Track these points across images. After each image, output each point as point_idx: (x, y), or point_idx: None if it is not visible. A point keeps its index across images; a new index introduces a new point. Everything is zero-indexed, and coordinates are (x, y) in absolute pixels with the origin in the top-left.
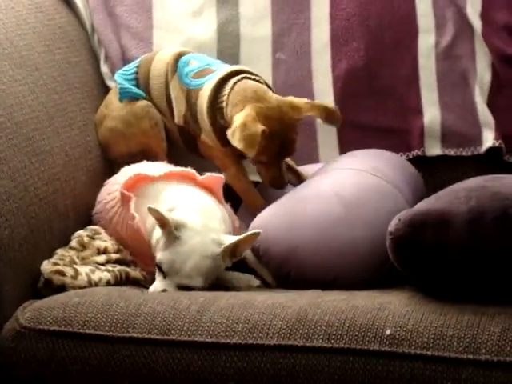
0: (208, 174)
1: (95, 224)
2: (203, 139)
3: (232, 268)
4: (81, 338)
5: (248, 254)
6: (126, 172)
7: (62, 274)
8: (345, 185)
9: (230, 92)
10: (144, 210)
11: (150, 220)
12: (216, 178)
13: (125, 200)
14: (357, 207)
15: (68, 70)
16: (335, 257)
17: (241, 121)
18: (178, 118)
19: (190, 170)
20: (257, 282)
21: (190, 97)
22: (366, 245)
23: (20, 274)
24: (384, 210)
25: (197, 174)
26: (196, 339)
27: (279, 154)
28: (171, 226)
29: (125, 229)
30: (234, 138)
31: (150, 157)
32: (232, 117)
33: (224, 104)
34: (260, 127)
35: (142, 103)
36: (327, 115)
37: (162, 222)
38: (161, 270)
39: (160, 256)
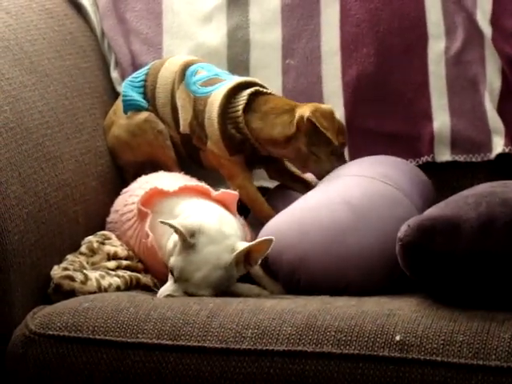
0: (223, 190)
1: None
2: (209, 147)
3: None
4: (90, 344)
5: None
6: (143, 183)
7: (71, 279)
8: (354, 192)
9: (246, 102)
10: (160, 226)
11: (167, 235)
12: (230, 195)
13: (141, 216)
14: (366, 215)
15: (78, 75)
16: (345, 264)
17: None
18: (184, 126)
19: (204, 185)
20: (266, 293)
21: (198, 104)
22: (376, 252)
23: (30, 279)
24: (394, 217)
25: (211, 189)
26: (206, 345)
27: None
28: (185, 235)
29: (138, 244)
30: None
31: (161, 166)
32: (260, 128)
33: (239, 113)
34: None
35: (145, 115)
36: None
37: (177, 232)
38: (172, 274)
39: (173, 261)
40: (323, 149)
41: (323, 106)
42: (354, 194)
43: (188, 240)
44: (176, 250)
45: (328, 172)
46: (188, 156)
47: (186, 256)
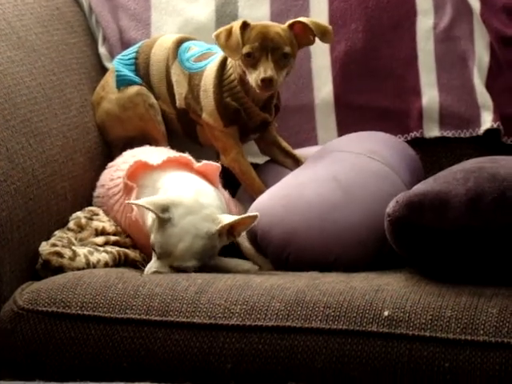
0: (205, 162)
1: (97, 207)
2: (204, 119)
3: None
4: (79, 320)
5: (244, 242)
6: (127, 157)
7: (60, 255)
8: (342, 168)
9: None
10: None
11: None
12: (212, 166)
13: (127, 190)
14: (354, 190)
15: (66, 51)
16: (333, 240)
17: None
18: (179, 101)
19: (187, 157)
20: (255, 268)
21: (193, 79)
22: (363, 227)
23: (18, 255)
24: (382, 193)
25: (193, 161)
26: (194, 321)
27: (267, 49)
28: (156, 212)
29: (124, 219)
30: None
31: (150, 141)
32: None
33: (235, 81)
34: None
35: (137, 88)
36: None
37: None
38: (155, 251)
39: (153, 237)
40: None
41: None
42: (342, 170)
43: (161, 216)
44: (154, 227)
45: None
46: (184, 132)
47: (164, 231)
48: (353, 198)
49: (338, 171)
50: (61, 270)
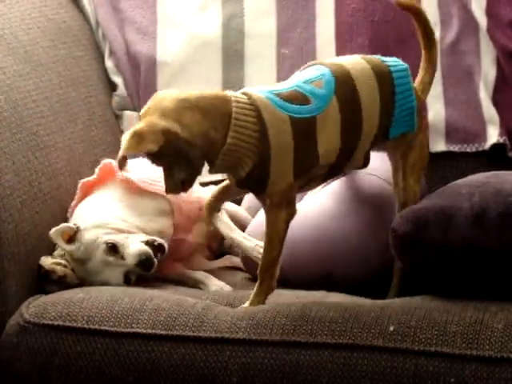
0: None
1: None
2: None
3: None
4: (85, 333)
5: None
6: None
7: (62, 265)
8: (340, 187)
9: None
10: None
11: None
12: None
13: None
14: (351, 202)
15: (72, 64)
16: (329, 252)
17: None
18: None
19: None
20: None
21: None
22: (360, 239)
23: (24, 268)
24: (386, 210)
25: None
26: (200, 335)
27: None
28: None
29: None
30: None
31: None
32: None
33: None
34: None
35: None
36: None
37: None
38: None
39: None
40: None
41: None
42: (340, 188)
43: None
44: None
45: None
46: None
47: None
48: (347, 209)
49: (335, 189)
50: (64, 280)
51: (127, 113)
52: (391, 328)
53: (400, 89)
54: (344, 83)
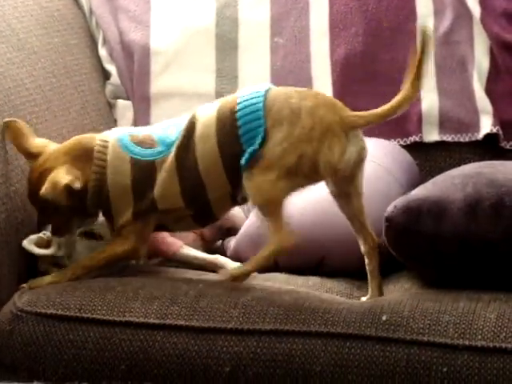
0: None
1: None
2: None
3: None
4: (77, 322)
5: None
6: None
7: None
8: None
9: None
10: None
11: None
12: None
13: None
14: None
15: (66, 53)
16: (324, 240)
17: None
18: None
19: None
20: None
21: None
22: None
23: (17, 257)
24: (377, 193)
25: None
26: (193, 324)
27: None
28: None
29: None
30: None
31: None
32: None
33: None
34: None
35: None
36: None
37: None
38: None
39: None
40: None
41: None
42: None
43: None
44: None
45: None
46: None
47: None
48: None
49: None
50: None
51: (120, 101)
52: (384, 317)
53: (245, 128)
54: (187, 131)
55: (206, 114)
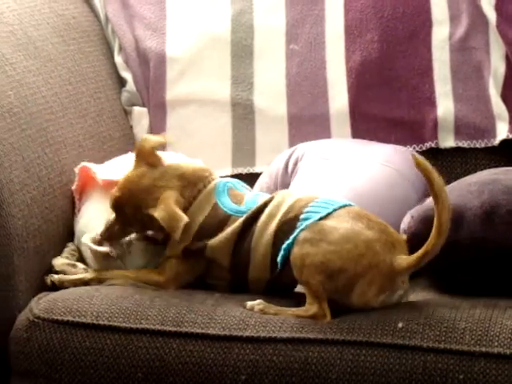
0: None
1: None
2: None
3: None
4: (94, 329)
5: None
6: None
7: (74, 266)
8: (355, 175)
9: None
10: None
11: None
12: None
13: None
14: (366, 196)
15: (82, 60)
16: None
17: None
18: None
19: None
20: None
21: None
22: None
23: (33, 264)
24: (393, 199)
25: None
26: (209, 332)
27: None
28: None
29: None
30: None
31: None
32: None
33: None
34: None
35: None
36: None
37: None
38: None
39: None
40: None
41: None
42: (354, 176)
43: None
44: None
45: None
46: None
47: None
48: (364, 203)
49: (351, 178)
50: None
51: (136, 108)
52: (400, 325)
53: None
54: (259, 208)
55: (278, 201)
